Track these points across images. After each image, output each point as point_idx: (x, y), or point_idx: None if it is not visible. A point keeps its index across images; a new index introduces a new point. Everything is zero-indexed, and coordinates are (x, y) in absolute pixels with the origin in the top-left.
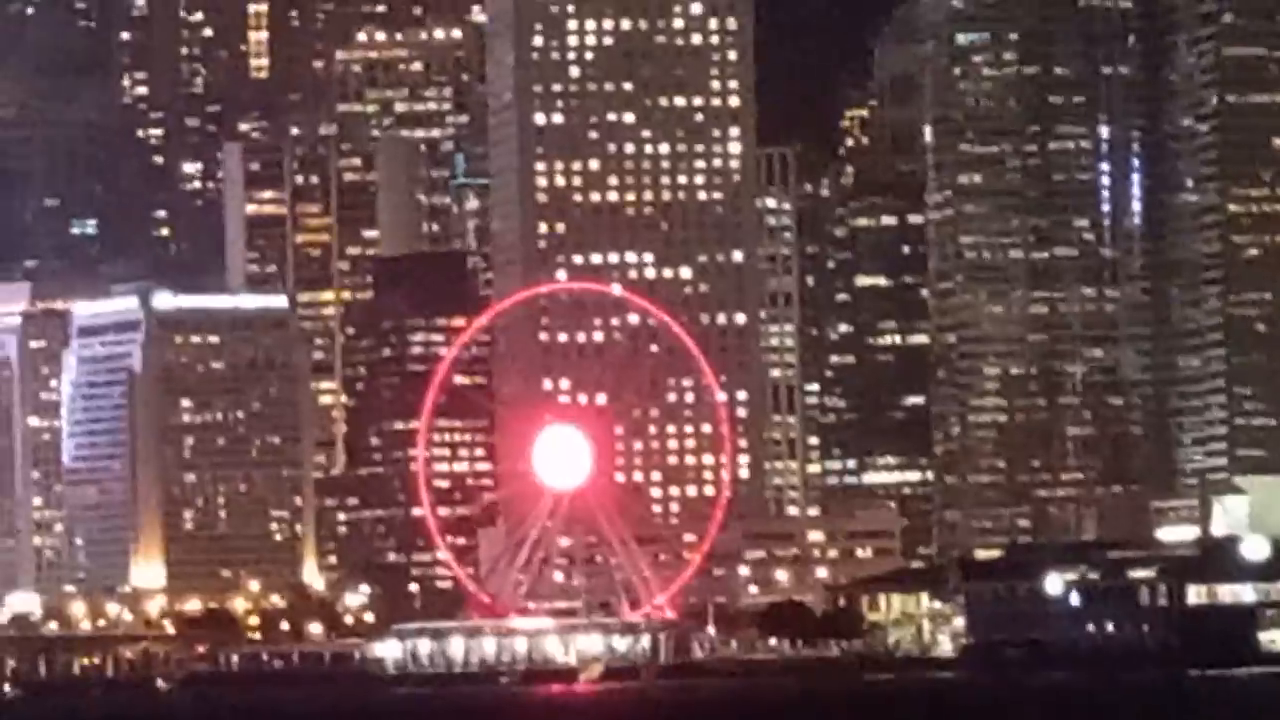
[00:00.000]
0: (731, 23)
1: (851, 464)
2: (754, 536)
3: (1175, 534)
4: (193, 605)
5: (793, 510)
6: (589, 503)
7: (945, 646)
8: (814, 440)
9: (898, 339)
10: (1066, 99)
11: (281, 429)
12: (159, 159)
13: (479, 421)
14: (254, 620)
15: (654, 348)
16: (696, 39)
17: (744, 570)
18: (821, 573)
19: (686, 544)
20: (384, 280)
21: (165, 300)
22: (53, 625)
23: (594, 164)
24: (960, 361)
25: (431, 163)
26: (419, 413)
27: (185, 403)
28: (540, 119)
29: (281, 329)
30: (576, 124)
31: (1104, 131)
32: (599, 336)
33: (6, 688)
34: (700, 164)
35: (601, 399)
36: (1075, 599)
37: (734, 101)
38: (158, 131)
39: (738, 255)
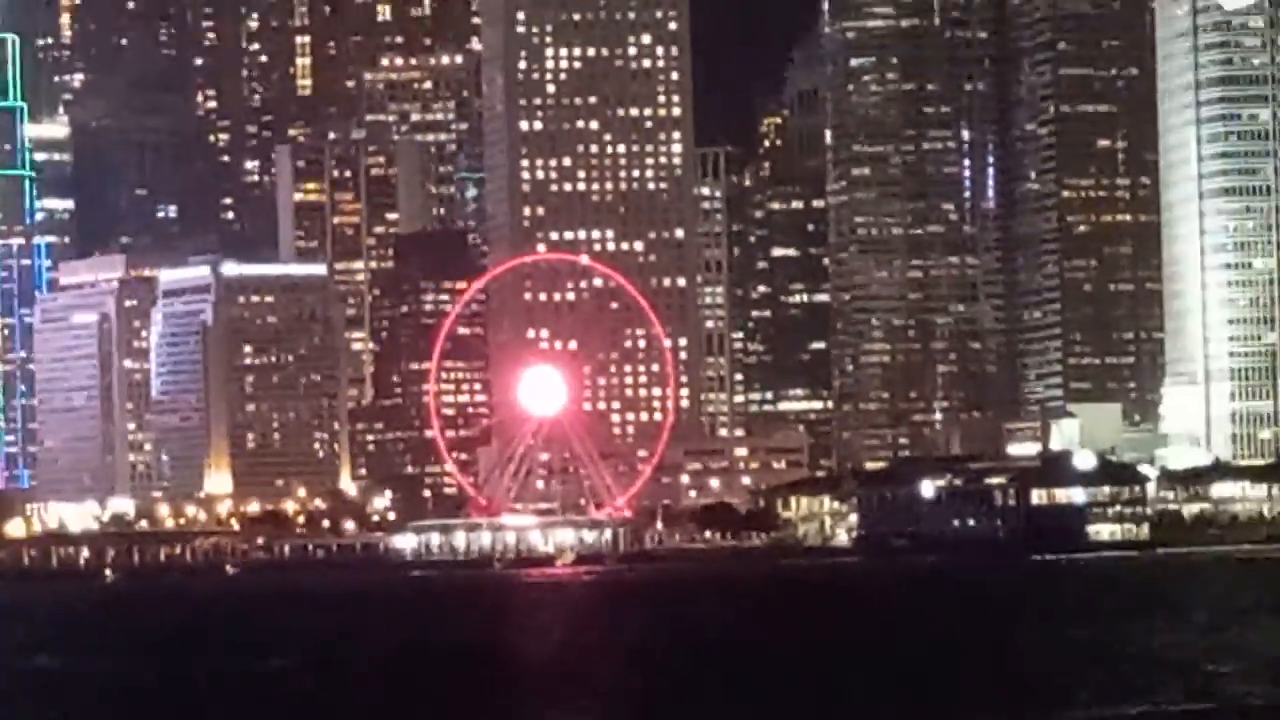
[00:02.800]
0: (673, 49)
1: (768, 395)
2: (692, 452)
3: (1021, 449)
4: (253, 507)
5: (722, 431)
6: (563, 426)
7: (842, 538)
8: (739, 377)
9: (804, 298)
10: (935, 109)
11: (322, 369)
12: (225, 158)
13: (477, 362)
14: (301, 519)
15: (614, 305)
16: (646, 63)
17: (684, 479)
18: (745, 480)
19: (640, 458)
20: (402, 252)
21: (231, 269)
22: (143, 524)
23: (566, 161)
24: (853, 315)
25: (439, 160)
26: (430, 356)
27: (247, 349)
28: (525, 126)
29: (322, 291)
30: (553, 130)
31: (965, 135)
32: (571, 296)
33: (108, 573)
34: (649, 161)
35: (573, 345)
36: (943, 500)
37: (676, 112)
38: (224, 137)
39: (679, 233)
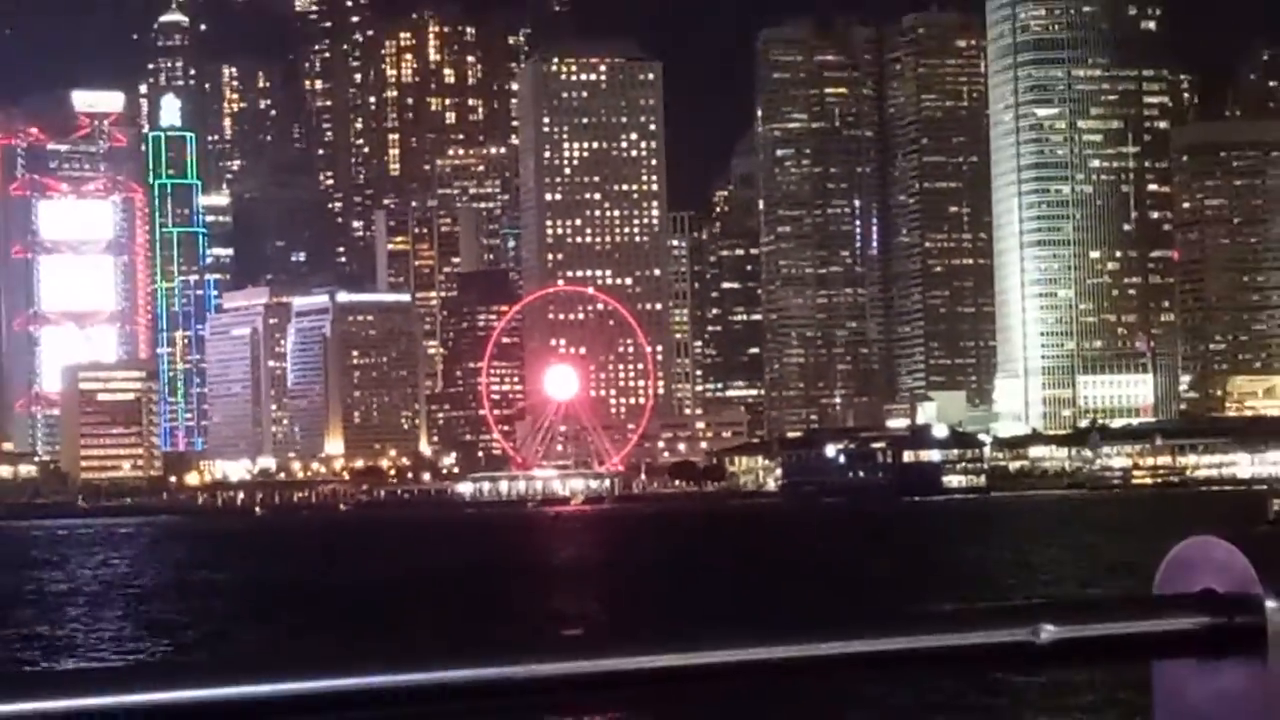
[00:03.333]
0: (652, 143)
1: (719, 385)
2: (666, 425)
3: (896, 423)
4: (358, 464)
5: (687, 410)
6: (576, 406)
7: (771, 486)
8: (699, 372)
9: (745, 317)
10: (837, 185)
11: (407, 368)
12: (339, 220)
13: (515, 362)
14: (393, 472)
15: (611, 322)
16: (633, 153)
17: (660, 444)
18: (703, 445)
19: (629, 430)
20: (463, 286)
21: (343, 297)
22: (281, 475)
23: (578, 222)
24: (779, 329)
25: (489, 221)
26: (483, 357)
27: (354, 353)
28: (548, 196)
29: (407, 313)
30: (569, 199)
31: (857, 203)
32: (581, 316)
33: (257, 510)
34: (636, 222)
35: (583, 350)
36: (842, 459)
37: (654, 187)
38: (339, 204)
39: (657, 271)
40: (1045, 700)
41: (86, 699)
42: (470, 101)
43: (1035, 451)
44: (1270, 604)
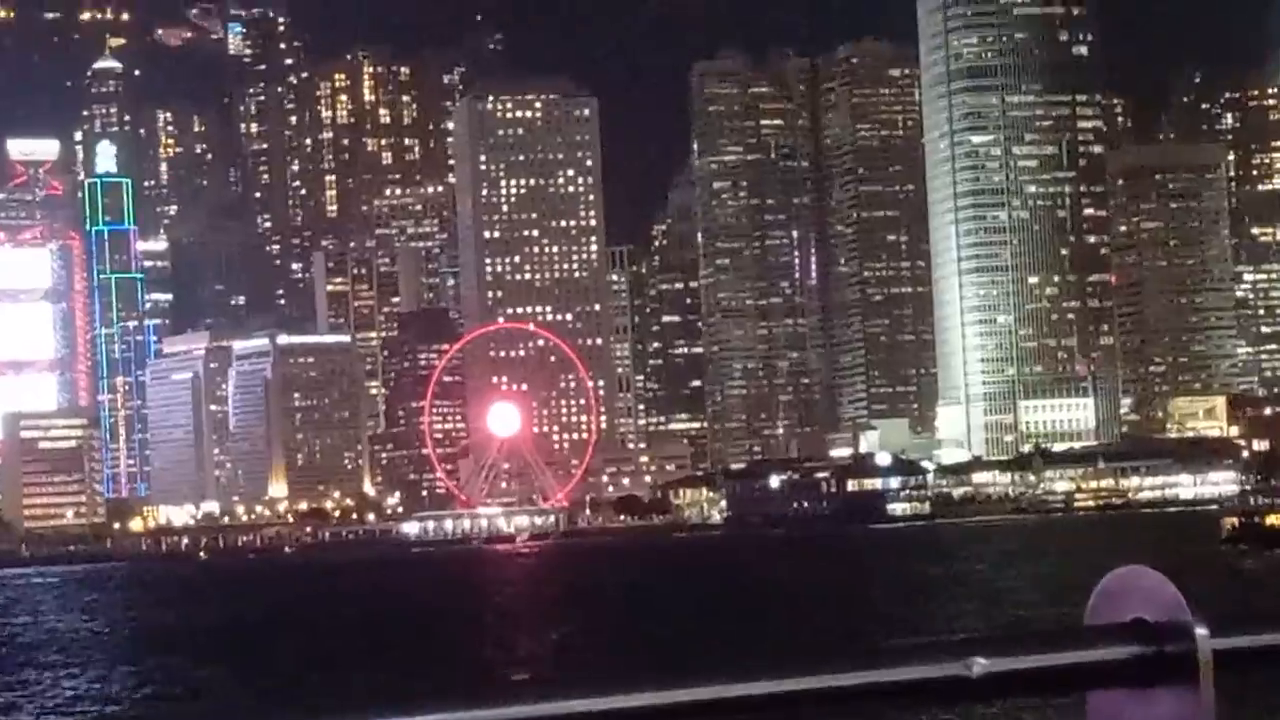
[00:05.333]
0: (589, 179)
1: (662, 419)
2: (609, 460)
3: (839, 452)
4: (302, 506)
5: (630, 445)
6: (519, 443)
7: (716, 517)
8: (641, 407)
9: (686, 350)
10: (775, 217)
11: (349, 408)
12: (278, 262)
13: (457, 401)
14: (337, 513)
15: (553, 358)
16: (570, 189)
17: (604, 478)
18: (647, 479)
19: (573, 465)
20: (403, 325)
21: (284, 339)
22: (226, 519)
23: (516, 259)
24: (720, 361)
25: (428, 260)
26: (425, 397)
27: (296, 395)
28: (487, 234)
29: (348, 354)
30: (507, 236)
31: (795, 234)
32: (522, 352)
33: (201, 553)
34: (575, 257)
35: (525, 386)
36: (787, 489)
37: (592, 222)
38: (276, 247)
39: (597, 306)
40: None
41: None
42: (406, 141)
43: (979, 477)
44: (1200, 631)
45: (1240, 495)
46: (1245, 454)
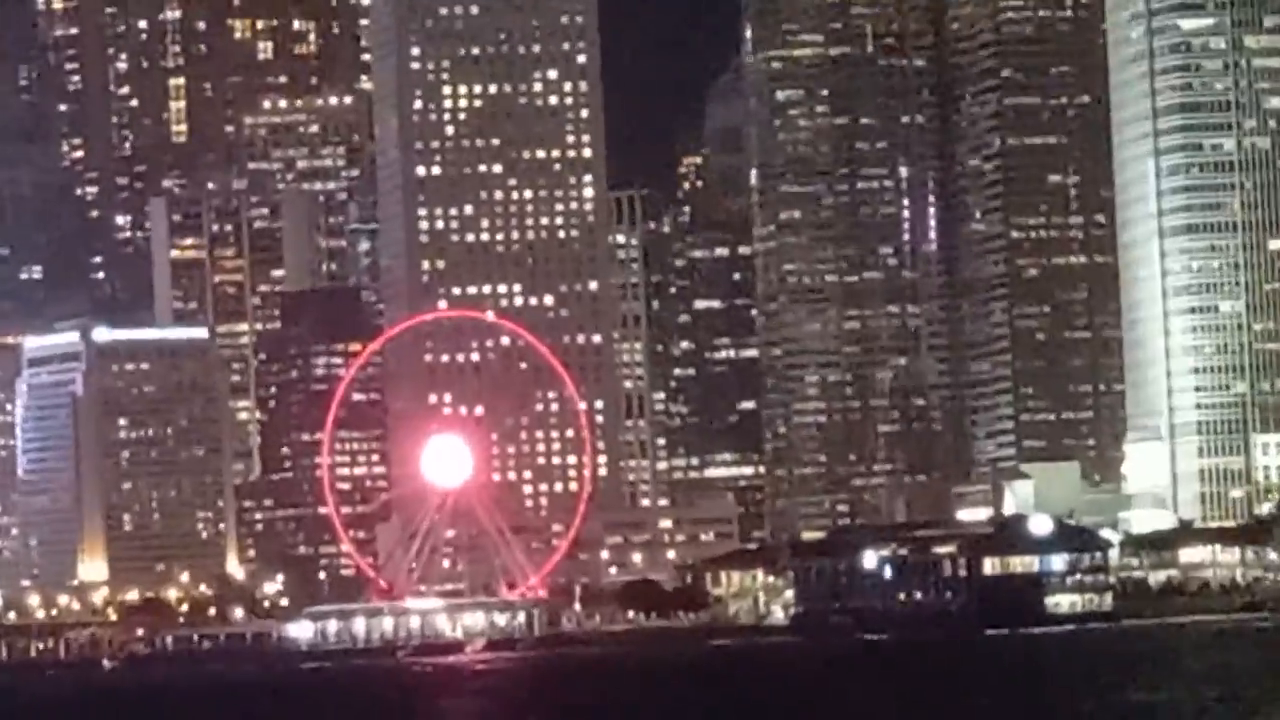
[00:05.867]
0: (582, 85)
1: (694, 461)
2: (612, 525)
3: (972, 514)
4: (132, 595)
5: (645, 501)
6: (470, 499)
7: (778, 615)
8: (661, 441)
9: (731, 353)
10: (871, 145)
11: (205, 442)
12: (94, 213)
13: (374, 431)
14: (185, 606)
15: (523, 365)
16: (553, 99)
17: (604, 554)
18: (671, 554)
19: (555, 532)
20: (290, 312)
21: (102, 334)
22: (11, 615)
23: (468, 209)
24: (785, 371)
25: (328, 211)
26: (323, 425)
27: (122, 421)
28: (421, 171)
29: (203, 356)
30: (452, 175)
31: (903, 172)
32: (475, 357)
33: None
34: (559, 207)
35: (479, 410)
36: (888, 572)
37: (586, 153)
38: (93, 190)
39: (593, 284)
40: None
41: None
42: (296, 25)
43: (1189, 554)
44: None
45: None
46: None
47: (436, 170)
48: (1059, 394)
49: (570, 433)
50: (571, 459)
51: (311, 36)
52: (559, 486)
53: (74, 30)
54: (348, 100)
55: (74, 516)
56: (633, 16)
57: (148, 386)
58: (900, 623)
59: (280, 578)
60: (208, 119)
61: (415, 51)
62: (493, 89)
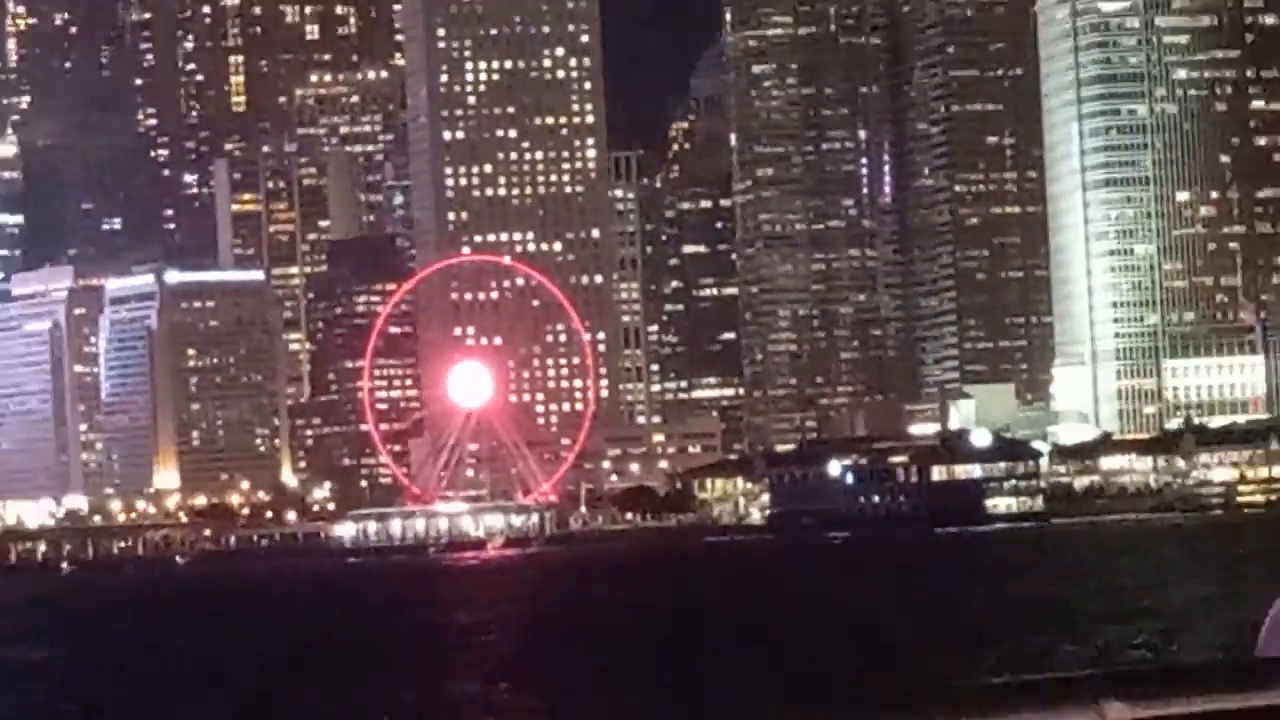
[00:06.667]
0: (585, 60)
1: (683, 384)
2: (612, 439)
3: (921, 429)
4: (199, 501)
5: (640, 419)
6: (490, 417)
7: (755, 517)
8: (654, 367)
9: (714, 291)
10: (833, 111)
11: (262, 369)
12: (165, 172)
13: (407, 359)
14: (245, 510)
15: (535, 302)
16: (560, 73)
17: (605, 464)
18: (662, 464)
19: (563, 446)
20: (335, 257)
21: (173, 276)
22: (96, 519)
23: (488, 168)
24: (761, 306)
25: (368, 170)
26: (363, 354)
27: (190, 352)
28: (447, 135)
29: (260, 295)
30: (474, 139)
31: (862, 135)
32: (495, 295)
33: (64, 565)
34: (566, 166)
35: (498, 341)
36: (850, 479)
37: (590, 119)
38: (164, 153)
39: (595, 232)
40: None
41: None
42: (338, 9)
43: (1109, 462)
44: None
45: None
46: None
47: (460, 135)
48: (996, 325)
49: (576, 360)
50: (577, 382)
51: (352, 19)
52: (566, 406)
53: (147, 15)
54: (383, 74)
55: (149, 433)
56: (631, 4)
57: (213, 321)
58: (860, 522)
59: (327, 485)
60: (263, 91)
61: (441, 32)
62: (508, 64)
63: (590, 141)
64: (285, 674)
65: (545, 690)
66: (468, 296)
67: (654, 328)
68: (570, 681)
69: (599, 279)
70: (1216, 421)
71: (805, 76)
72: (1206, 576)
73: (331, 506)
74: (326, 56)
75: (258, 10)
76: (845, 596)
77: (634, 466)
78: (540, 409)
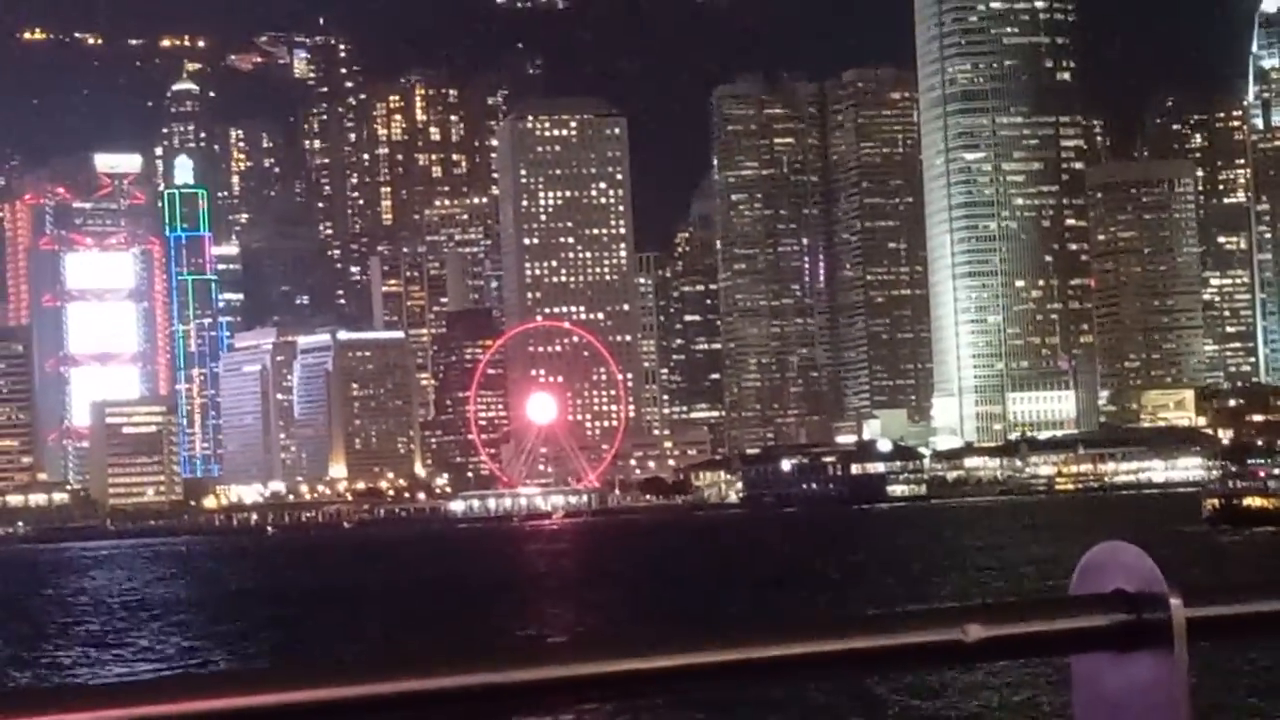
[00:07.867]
0: (619, 191)
1: (684, 408)
2: (637, 445)
3: (845, 439)
4: (360, 486)
5: (655, 432)
6: (555, 430)
7: (733, 498)
8: (665, 397)
9: (705, 346)
10: (787, 226)
11: (402, 398)
12: (338, 265)
13: (499, 391)
14: (391, 492)
15: (586, 353)
16: (601, 200)
17: (632, 462)
18: (670, 462)
19: (603, 450)
20: (451, 323)
21: (343, 335)
22: (291, 497)
23: (553, 263)
24: (737, 356)
25: (473, 264)
26: (470, 387)
27: (354, 386)
28: (526, 241)
29: (401, 349)
30: (545, 243)
31: (805, 242)
32: (558, 348)
33: (269, 528)
34: (606, 263)
35: (560, 379)
36: (797, 472)
37: (621, 230)
38: (337, 252)
39: (626, 307)
40: (977, 692)
41: (113, 710)
42: (454, 157)
43: (970, 462)
44: (1174, 601)
45: (1221, 479)
46: (1216, 442)
47: (535, 240)
48: (895, 369)
49: (613, 392)
50: (613, 407)
51: (463, 163)
52: (606, 423)
53: (326, 159)
54: (484, 200)
55: (327, 440)
56: (649, 147)
57: (369, 366)
58: (804, 501)
59: (446, 476)
60: (403, 211)
61: (523, 171)
62: (566, 193)
63: (622, 246)
64: (419, 598)
65: (591, 605)
66: (540, 349)
67: (665, 370)
68: (608, 598)
69: (628, 338)
70: (1043, 434)
71: (767, 202)
72: (1037, 538)
73: (449, 490)
74: (446, 188)
75: (400, 157)
76: (793, 550)
77: (651, 463)
78: (589, 425)
